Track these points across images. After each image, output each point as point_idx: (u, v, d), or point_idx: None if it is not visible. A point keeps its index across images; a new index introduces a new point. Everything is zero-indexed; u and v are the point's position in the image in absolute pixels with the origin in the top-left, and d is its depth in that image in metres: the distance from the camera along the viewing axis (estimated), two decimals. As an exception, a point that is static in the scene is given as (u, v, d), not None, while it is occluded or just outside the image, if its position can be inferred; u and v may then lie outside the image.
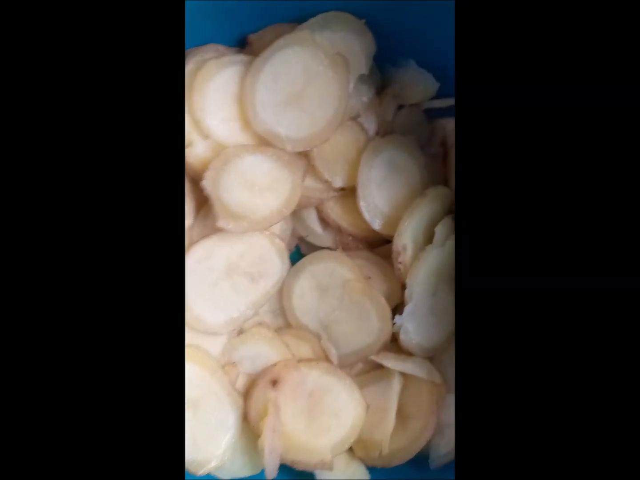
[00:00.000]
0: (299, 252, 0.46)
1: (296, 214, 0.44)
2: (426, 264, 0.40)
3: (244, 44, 0.42)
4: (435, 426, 0.40)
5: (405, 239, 0.40)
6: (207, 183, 0.38)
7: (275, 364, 0.41)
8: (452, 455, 0.40)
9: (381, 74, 0.44)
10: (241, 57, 0.40)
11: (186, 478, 0.36)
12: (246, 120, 0.39)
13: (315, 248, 0.45)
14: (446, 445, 0.39)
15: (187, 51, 0.40)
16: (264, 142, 0.40)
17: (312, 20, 0.40)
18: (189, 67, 0.39)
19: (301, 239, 0.45)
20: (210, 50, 0.40)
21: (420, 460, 0.40)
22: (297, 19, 0.41)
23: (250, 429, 0.40)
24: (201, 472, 0.38)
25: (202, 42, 0.41)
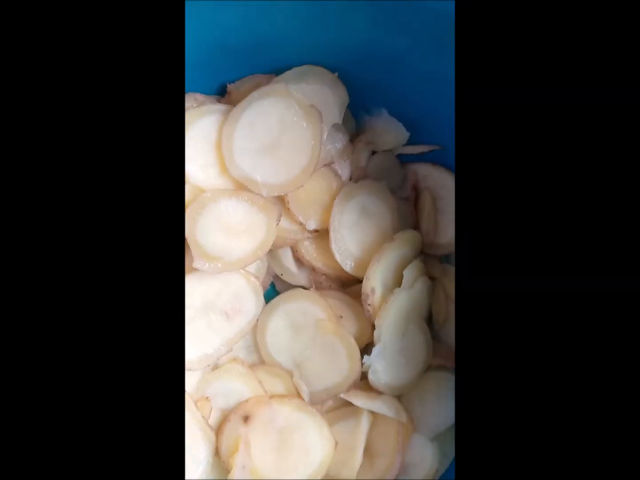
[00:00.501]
0: (274, 289, 0.48)
1: (272, 253, 0.46)
2: (395, 306, 0.41)
3: (222, 92, 0.44)
4: (400, 465, 0.41)
5: (374, 283, 0.41)
6: (185, 225, 0.40)
7: (247, 400, 0.42)
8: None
9: (355, 121, 0.46)
10: (219, 107, 0.42)
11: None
12: (224, 166, 0.41)
13: (289, 286, 0.46)
14: (410, 485, 0.40)
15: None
16: (240, 187, 0.42)
17: (287, 73, 0.42)
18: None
19: (276, 277, 0.47)
20: (189, 99, 0.42)
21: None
22: (274, 71, 0.43)
23: (221, 464, 0.41)
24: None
25: (182, 91, 0.43)
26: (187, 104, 0.41)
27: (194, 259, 0.40)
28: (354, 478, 0.41)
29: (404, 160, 0.47)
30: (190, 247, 0.40)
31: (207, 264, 0.40)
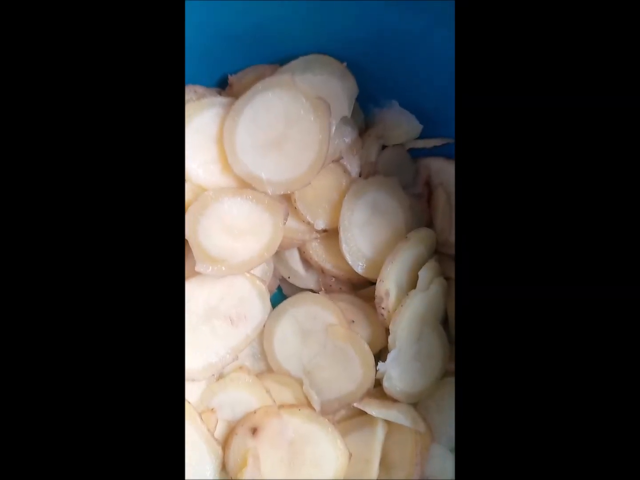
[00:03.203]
0: (280, 293, 0.45)
1: (278, 255, 0.44)
2: (410, 309, 0.39)
3: (224, 84, 0.42)
4: (419, 477, 0.39)
5: (388, 285, 0.39)
6: (185, 227, 0.38)
7: (255, 411, 0.40)
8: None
9: (364, 114, 0.44)
10: (220, 99, 0.40)
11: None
12: (226, 163, 0.39)
13: (297, 289, 0.44)
14: (429, 499, 0.38)
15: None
16: (244, 185, 0.40)
17: (293, 63, 0.40)
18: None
19: (283, 280, 0.45)
20: (189, 91, 0.40)
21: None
22: (278, 61, 0.41)
23: (228, 480, 0.39)
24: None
25: (182, 83, 0.41)
26: (186, 97, 0.39)
27: (196, 262, 0.37)
28: (370, 492, 0.39)
29: (416, 154, 0.45)
30: (192, 249, 0.38)
31: (210, 267, 0.38)
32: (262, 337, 0.42)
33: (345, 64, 0.40)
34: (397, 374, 0.39)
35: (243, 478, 0.37)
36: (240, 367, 0.42)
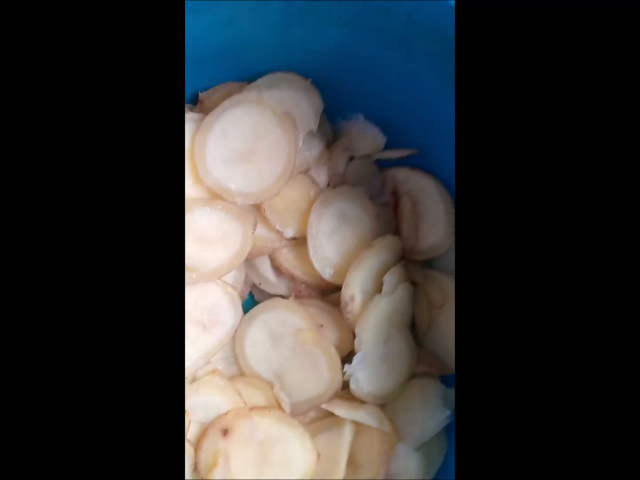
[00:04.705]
0: (252, 299, 0.47)
1: (249, 262, 0.45)
2: (375, 312, 0.41)
3: (195, 100, 0.44)
4: (384, 476, 0.40)
5: (353, 290, 0.41)
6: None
7: (226, 413, 0.41)
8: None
9: (332, 126, 0.46)
10: (192, 115, 0.41)
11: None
12: (197, 176, 0.41)
13: (268, 295, 0.45)
14: (394, 497, 0.40)
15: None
16: (215, 197, 0.41)
17: (260, 80, 0.42)
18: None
19: (254, 287, 0.46)
20: (162, 108, 0.42)
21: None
22: (246, 78, 0.42)
23: (200, 480, 0.40)
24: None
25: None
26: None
27: (169, 270, 0.39)
28: (337, 491, 0.40)
29: (383, 165, 0.46)
30: (165, 258, 0.39)
31: (182, 275, 0.39)
32: (234, 341, 0.43)
33: (310, 80, 0.42)
34: (364, 376, 0.41)
35: (213, 478, 0.39)
36: (213, 371, 0.43)
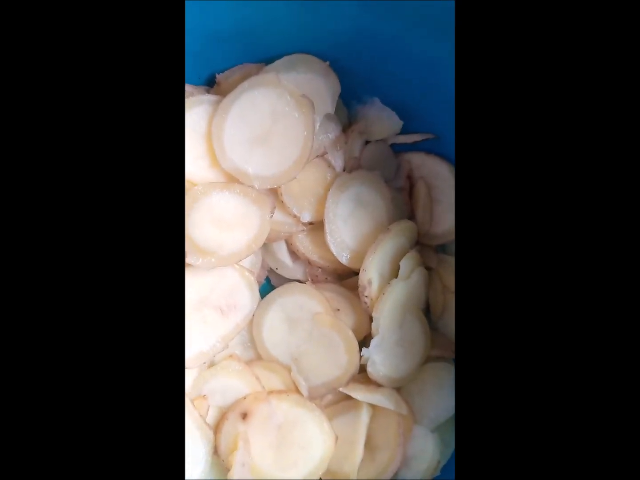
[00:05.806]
0: (269, 283, 0.47)
1: (266, 247, 0.45)
2: (392, 297, 0.41)
3: (212, 83, 0.43)
4: (401, 458, 0.41)
5: (371, 274, 0.41)
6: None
7: (245, 397, 0.41)
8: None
9: (348, 110, 0.45)
10: (209, 97, 0.41)
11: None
12: (214, 159, 0.40)
13: (285, 280, 0.46)
14: (412, 478, 0.40)
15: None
16: (232, 180, 0.41)
17: (278, 62, 0.41)
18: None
19: (271, 271, 0.46)
20: (179, 90, 0.41)
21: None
22: (264, 60, 0.42)
23: (220, 463, 0.40)
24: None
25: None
26: (175, 96, 0.40)
27: (187, 254, 0.39)
28: (356, 472, 0.40)
29: (398, 149, 0.46)
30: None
31: (200, 259, 0.39)
32: (252, 326, 0.44)
33: (328, 62, 0.42)
34: (380, 360, 0.41)
35: (234, 460, 0.39)
36: (231, 355, 0.43)
